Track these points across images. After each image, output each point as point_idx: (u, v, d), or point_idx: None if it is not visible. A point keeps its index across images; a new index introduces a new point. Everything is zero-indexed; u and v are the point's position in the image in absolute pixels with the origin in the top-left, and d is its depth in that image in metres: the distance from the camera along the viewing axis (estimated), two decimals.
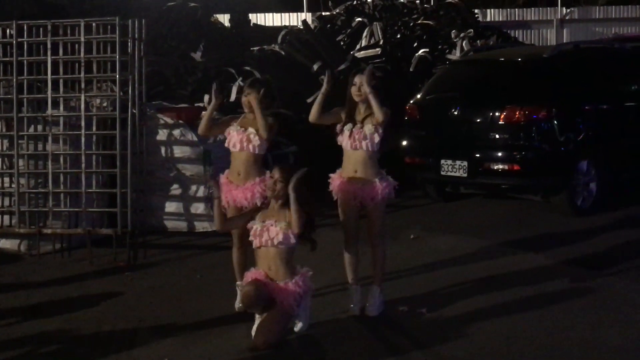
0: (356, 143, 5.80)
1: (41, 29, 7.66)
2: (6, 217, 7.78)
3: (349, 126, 5.86)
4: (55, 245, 7.68)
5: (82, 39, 7.53)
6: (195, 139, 8.57)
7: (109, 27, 7.58)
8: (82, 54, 7.55)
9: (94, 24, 7.58)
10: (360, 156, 5.83)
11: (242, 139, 5.93)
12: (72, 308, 6.19)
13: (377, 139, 5.80)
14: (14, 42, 7.62)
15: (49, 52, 7.58)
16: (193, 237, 8.35)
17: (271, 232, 5.39)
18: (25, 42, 7.64)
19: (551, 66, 9.13)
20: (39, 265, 7.43)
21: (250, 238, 5.47)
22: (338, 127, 5.94)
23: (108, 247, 7.55)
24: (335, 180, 5.97)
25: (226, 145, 6.06)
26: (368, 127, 5.80)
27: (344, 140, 5.87)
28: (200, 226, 8.58)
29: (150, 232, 8.01)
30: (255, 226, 5.45)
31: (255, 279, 5.41)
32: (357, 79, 5.84)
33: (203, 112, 9.10)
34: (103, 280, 6.95)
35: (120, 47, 7.46)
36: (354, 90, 5.84)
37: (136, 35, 7.48)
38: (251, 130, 5.92)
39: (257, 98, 5.89)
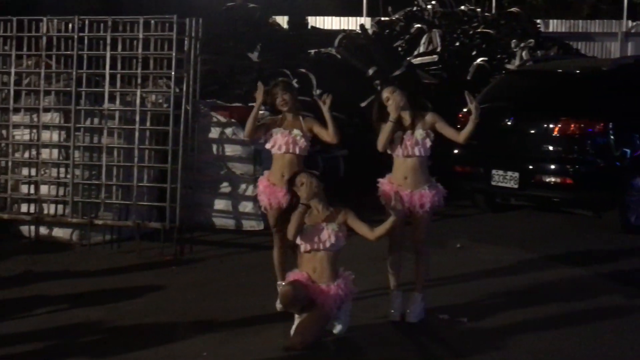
0: (408, 150, 5.80)
1: (102, 24, 7.82)
2: (60, 207, 7.96)
3: (399, 134, 5.85)
4: (105, 237, 7.83)
5: (141, 36, 7.67)
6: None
7: (167, 24, 7.71)
8: (139, 50, 7.69)
9: (152, 22, 7.73)
10: (411, 163, 5.83)
11: (287, 140, 5.97)
12: (116, 298, 6.31)
13: (428, 143, 5.81)
14: (76, 36, 7.81)
15: (108, 47, 7.75)
16: (240, 235, 8.44)
17: (323, 235, 5.40)
18: (86, 37, 7.81)
19: (610, 80, 9.00)
20: (88, 255, 7.59)
21: (299, 241, 5.48)
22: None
23: (156, 240, 7.68)
24: (385, 186, 5.96)
25: (268, 147, 6.09)
26: (419, 133, 5.81)
27: (394, 148, 5.86)
28: (248, 225, 8.66)
29: (197, 228, 8.13)
30: (305, 230, 5.46)
31: (296, 279, 5.43)
32: (383, 95, 5.87)
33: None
34: (149, 273, 7.07)
35: (177, 45, 7.58)
36: (388, 106, 5.83)
37: (193, 34, 7.59)
38: (297, 132, 5.97)
39: (293, 98, 5.96)
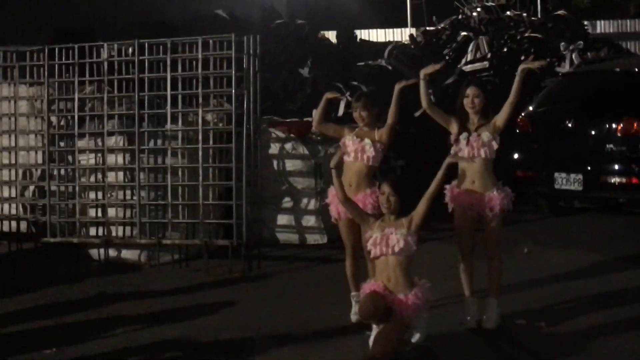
0: (474, 151, 5.77)
1: (160, 46, 7.94)
2: (127, 229, 8.06)
3: (464, 135, 5.83)
4: (173, 256, 7.91)
5: (200, 56, 7.77)
6: (306, 152, 8.70)
7: (224, 43, 7.79)
8: (199, 70, 7.78)
9: (210, 41, 7.82)
10: (477, 166, 5.80)
11: (357, 148, 5.98)
12: (191, 316, 6.36)
13: (495, 145, 5.78)
14: (136, 59, 7.93)
15: (168, 69, 7.86)
16: (305, 250, 8.46)
17: (391, 240, 5.39)
18: (146, 60, 7.93)
19: None
20: (158, 275, 7.68)
21: (369, 248, 5.48)
22: (452, 136, 5.91)
23: (223, 258, 7.74)
24: (451, 192, 5.94)
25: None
26: (485, 134, 5.78)
27: (460, 150, 5.84)
28: (312, 239, 8.68)
29: (262, 244, 8.16)
30: (374, 235, 5.46)
31: (373, 290, 5.41)
32: (469, 91, 5.84)
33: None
34: (220, 290, 7.12)
35: (236, 63, 7.65)
36: (467, 102, 5.82)
37: (251, 51, 7.66)
38: (367, 141, 5.96)
39: (371, 115, 5.96)
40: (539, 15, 18.65)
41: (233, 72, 7.66)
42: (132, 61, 8.01)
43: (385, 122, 6.02)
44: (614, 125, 8.53)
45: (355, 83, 11.47)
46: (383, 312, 5.35)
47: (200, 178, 7.76)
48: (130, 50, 8.08)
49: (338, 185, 5.68)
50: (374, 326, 5.47)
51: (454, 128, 5.92)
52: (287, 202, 8.76)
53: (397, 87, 5.99)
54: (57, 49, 8.26)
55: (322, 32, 14.53)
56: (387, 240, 5.42)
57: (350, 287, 6.15)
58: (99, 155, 8.20)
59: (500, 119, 5.84)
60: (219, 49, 7.80)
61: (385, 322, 5.36)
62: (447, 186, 5.99)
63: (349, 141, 6.02)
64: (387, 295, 5.38)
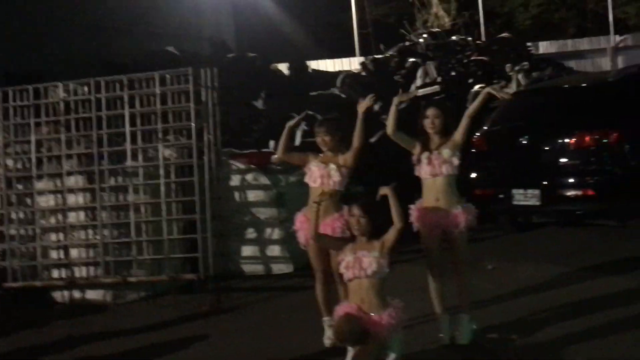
0: (436, 169, 5.86)
1: (117, 84, 7.92)
2: (91, 269, 7.97)
3: (425, 154, 5.92)
4: (140, 294, 7.83)
5: (158, 91, 7.77)
6: (268, 182, 8.73)
7: (181, 78, 7.81)
8: (158, 105, 7.78)
9: (167, 76, 7.83)
10: (440, 184, 5.89)
11: (322, 174, 6.02)
12: (165, 352, 6.30)
13: (456, 162, 5.88)
14: (92, 97, 7.89)
15: (126, 106, 7.84)
16: (271, 280, 8.44)
17: (364, 263, 5.42)
18: (102, 97, 7.90)
19: (617, 89, 9.13)
20: (126, 314, 7.58)
21: (342, 271, 5.50)
22: (414, 157, 5.99)
23: (190, 292, 7.69)
24: (416, 211, 6.00)
25: (306, 180, 6.14)
26: (446, 151, 5.88)
27: (422, 169, 5.92)
28: (277, 268, 8.67)
29: (229, 276, 8.12)
30: (347, 259, 5.48)
31: (347, 312, 5.43)
32: (429, 112, 5.94)
33: (273, 157, 9.33)
34: (190, 325, 7.06)
35: (194, 96, 7.67)
36: (427, 123, 5.92)
37: (209, 84, 7.69)
38: (332, 166, 6.01)
39: (334, 139, 6.01)
40: (484, 39, 19.06)
41: (192, 105, 7.67)
42: (89, 100, 7.97)
43: (348, 147, 6.09)
44: (567, 140, 8.72)
45: (310, 112, 11.57)
46: (358, 333, 5.36)
47: (164, 213, 7.72)
48: (85, 88, 8.03)
49: (315, 220, 5.65)
50: (349, 348, 5.48)
51: (416, 150, 6.01)
52: (251, 233, 8.75)
53: (361, 110, 6.04)
54: (10, 91, 8.19)
55: (274, 64, 14.64)
56: (360, 263, 5.45)
57: (322, 312, 6.16)
58: (59, 196, 8.11)
59: (458, 133, 5.95)
60: (176, 83, 7.82)
61: (361, 343, 5.38)
62: (412, 206, 6.07)
63: (314, 167, 6.07)
64: (362, 316, 5.40)
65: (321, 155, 6.16)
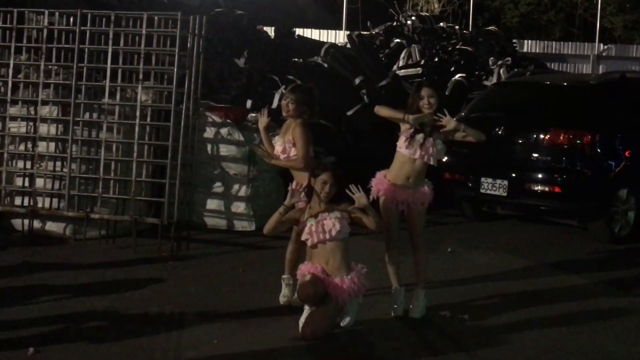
0: (424, 154, 5.90)
1: (104, 19, 7.83)
2: (55, 200, 7.92)
3: (420, 136, 5.93)
4: (100, 232, 7.81)
5: (144, 32, 7.70)
6: (241, 138, 8.72)
7: (170, 22, 7.74)
8: (142, 46, 7.71)
9: (156, 18, 7.76)
10: (419, 166, 5.94)
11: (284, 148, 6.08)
12: (119, 289, 6.31)
13: (442, 156, 5.95)
14: (77, 30, 7.79)
15: (110, 42, 7.75)
16: (232, 235, 8.46)
17: (327, 225, 5.47)
18: (88, 31, 7.81)
19: (597, 93, 9.22)
20: (84, 249, 7.56)
21: (304, 237, 5.54)
22: (405, 132, 5.98)
23: (151, 237, 7.68)
24: (382, 184, 6.01)
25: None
26: (439, 144, 5.92)
27: (411, 148, 5.91)
28: (240, 225, 8.70)
29: (190, 226, 8.12)
30: (308, 224, 5.52)
31: (313, 274, 5.47)
32: (424, 92, 5.94)
33: (250, 114, 9.33)
34: (148, 267, 7.08)
35: (180, 42, 7.62)
36: (423, 104, 5.92)
37: (196, 31, 7.64)
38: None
39: (297, 105, 6.04)
40: (471, 30, 19.08)
41: (177, 50, 7.61)
42: (73, 31, 7.87)
43: (309, 117, 6.11)
44: (541, 136, 8.80)
45: (291, 77, 11.54)
46: (321, 295, 5.43)
47: (135, 154, 7.68)
48: (71, 20, 7.92)
49: (276, 220, 5.68)
50: (306, 307, 5.54)
51: (406, 126, 5.97)
52: (217, 187, 8.75)
53: (261, 126, 6.23)
54: None
55: (260, 25, 14.54)
56: (323, 226, 5.49)
57: (285, 270, 6.19)
58: (31, 124, 8.03)
59: (458, 136, 6.01)
60: (163, 26, 7.76)
61: (319, 304, 5.44)
62: (377, 175, 6.10)
63: (279, 147, 6.13)
64: (324, 279, 5.46)
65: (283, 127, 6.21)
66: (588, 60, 20.85)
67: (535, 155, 8.87)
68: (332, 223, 5.50)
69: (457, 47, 15.67)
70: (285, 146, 6.10)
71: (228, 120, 8.80)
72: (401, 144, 5.93)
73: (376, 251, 7.19)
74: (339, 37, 19.61)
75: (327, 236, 5.49)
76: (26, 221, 7.85)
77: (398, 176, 5.99)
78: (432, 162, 5.96)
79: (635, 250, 8.58)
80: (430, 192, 6.04)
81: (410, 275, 6.17)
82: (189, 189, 7.93)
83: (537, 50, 20.82)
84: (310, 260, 5.62)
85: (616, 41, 24.15)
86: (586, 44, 21.50)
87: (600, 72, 20.73)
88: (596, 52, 20.96)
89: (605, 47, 21.41)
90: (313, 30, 19.91)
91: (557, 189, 8.67)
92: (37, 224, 7.94)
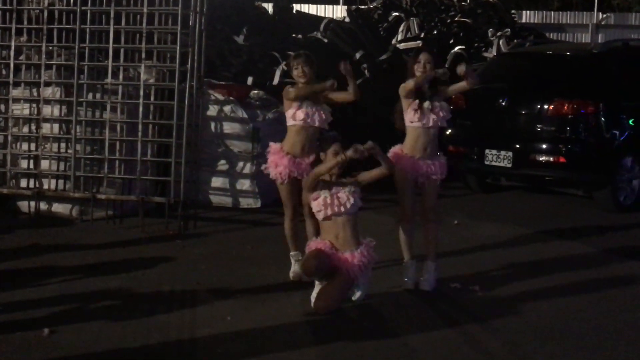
0: (436, 119, 5.90)
1: None
2: (60, 182, 7.91)
3: (427, 103, 5.91)
4: (107, 212, 7.81)
5: (145, 10, 7.66)
6: (245, 116, 8.70)
7: (171, 0, 7.70)
8: (144, 25, 7.67)
9: None
10: (432, 134, 5.94)
11: (309, 112, 6.00)
12: (129, 269, 6.32)
13: (449, 115, 5.98)
14: (78, 10, 7.75)
15: (111, 22, 7.71)
16: (238, 213, 8.46)
17: (341, 198, 5.47)
18: (89, 11, 7.76)
19: (600, 62, 9.20)
20: (92, 230, 7.56)
21: (317, 209, 5.53)
22: (412, 104, 5.92)
23: (158, 217, 7.69)
24: (402, 158, 5.95)
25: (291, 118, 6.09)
26: (444, 104, 5.94)
27: (423, 117, 5.88)
28: (245, 202, 8.70)
29: (196, 205, 8.12)
30: (322, 195, 5.52)
31: (318, 249, 5.48)
32: (422, 57, 5.92)
33: (253, 92, 9.30)
34: (156, 246, 7.08)
35: (182, 20, 7.58)
36: (417, 67, 5.91)
37: (198, 9, 7.60)
38: (325, 107, 6.06)
39: (311, 66, 5.98)
40: (468, 1, 18.97)
41: (179, 28, 7.58)
42: (74, 11, 7.83)
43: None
44: (545, 106, 8.79)
45: (291, 53, 11.48)
46: (326, 269, 5.44)
47: (140, 134, 7.67)
48: (72, 0, 7.87)
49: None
50: (317, 283, 5.56)
51: (408, 102, 5.92)
52: (222, 165, 8.74)
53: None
54: None
55: (258, 1, 14.46)
56: (338, 199, 5.49)
57: (290, 247, 6.22)
58: (34, 105, 8.01)
59: (452, 90, 6.00)
60: (164, 5, 7.71)
61: (329, 279, 5.46)
62: (391, 150, 6.09)
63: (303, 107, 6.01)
64: (333, 254, 5.47)
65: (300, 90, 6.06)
66: (587, 30, 20.73)
67: (539, 125, 8.87)
68: (346, 196, 5.50)
69: (456, 19, 15.60)
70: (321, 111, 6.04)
71: (231, 98, 8.77)
72: (412, 117, 5.90)
73: (385, 225, 7.23)
74: (337, 11, 19.50)
75: (343, 209, 5.49)
76: (32, 203, 7.85)
77: (415, 149, 5.95)
78: (441, 124, 5.96)
79: (638, 218, 8.60)
80: (447, 164, 6.07)
81: (418, 248, 6.18)
82: (194, 168, 7.92)
83: (536, 21, 20.68)
84: (310, 237, 5.64)
85: (614, 9, 24.02)
86: (585, 13, 21.37)
87: (600, 41, 20.70)
88: (595, 21, 20.84)
89: (604, 15, 21.30)
90: (310, 5, 19.79)
91: (562, 159, 8.68)
92: (43, 205, 7.94)
